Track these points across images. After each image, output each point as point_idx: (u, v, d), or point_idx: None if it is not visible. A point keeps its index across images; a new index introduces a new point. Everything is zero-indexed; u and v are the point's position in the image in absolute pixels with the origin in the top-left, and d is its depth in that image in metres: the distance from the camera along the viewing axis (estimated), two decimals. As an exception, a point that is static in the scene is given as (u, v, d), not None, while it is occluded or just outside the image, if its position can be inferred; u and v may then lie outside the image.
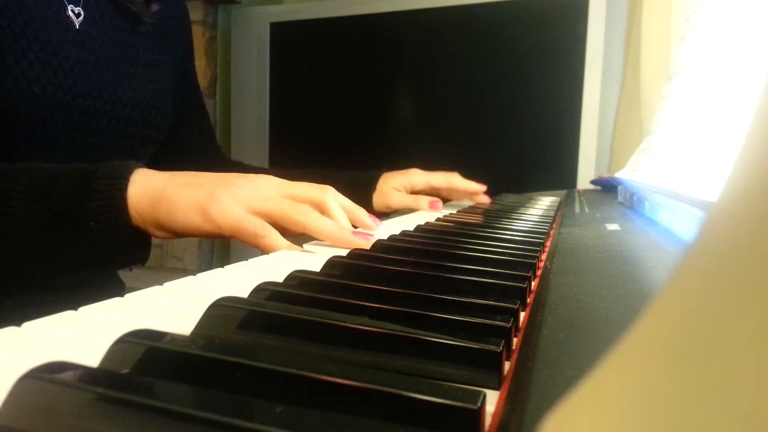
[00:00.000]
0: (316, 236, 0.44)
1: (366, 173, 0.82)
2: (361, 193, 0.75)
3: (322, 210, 0.47)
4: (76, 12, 0.58)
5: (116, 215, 0.41)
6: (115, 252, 0.44)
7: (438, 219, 0.62)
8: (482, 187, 0.84)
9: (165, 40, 0.70)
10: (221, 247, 1.98)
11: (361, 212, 0.51)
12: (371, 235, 0.45)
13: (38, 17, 0.54)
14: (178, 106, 0.74)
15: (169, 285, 0.30)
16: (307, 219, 0.44)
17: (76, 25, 0.57)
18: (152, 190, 0.42)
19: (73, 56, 0.56)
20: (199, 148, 0.81)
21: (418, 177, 0.80)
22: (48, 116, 0.54)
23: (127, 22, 0.64)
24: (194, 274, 0.33)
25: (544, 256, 0.40)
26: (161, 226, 0.43)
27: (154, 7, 0.67)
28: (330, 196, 0.48)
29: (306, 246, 0.46)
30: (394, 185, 0.79)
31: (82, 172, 0.42)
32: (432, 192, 0.83)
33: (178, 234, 0.44)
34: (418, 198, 0.78)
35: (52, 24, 0.55)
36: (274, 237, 0.42)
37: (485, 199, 0.85)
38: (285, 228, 0.44)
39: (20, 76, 0.51)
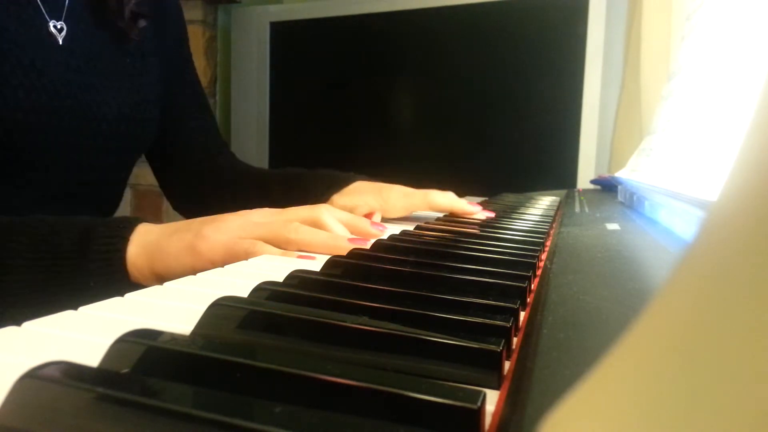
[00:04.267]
0: (311, 250, 0.42)
1: (334, 175, 0.68)
2: (310, 197, 0.64)
3: (318, 226, 0.45)
4: (59, 27, 0.56)
5: (115, 275, 0.41)
6: None
7: (438, 219, 0.62)
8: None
9: (153, 43, 0.68)
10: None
11: (361, 222, 0.49)
12: (367, 240, 0.44)
13: (20, 39, 0.52)
14: (176, 106, 0.74)
15: (169, 285, 0.30)
16: (299, 234, 0.42)
17: (59, 41, 0.56)
18: (148, 246, 0.42)
19: (58, 77, 0.55)
20: (202, 146, 0.79)
21: (393, 202, 0.64)
22: (31, 140, 0.54)
23: (112, 32, 0.62)
24: (194, 274, 0.33)
25: (544, 256, 0.40)
26: (160, 277, 0.42)
27: (141, 23, 0.64)
28: (322, 212, 0.46)
29: None
30: (350, 206, 0.64)
31: (82, 231, 0.42)
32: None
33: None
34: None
35: (35, 45, 0.53)
36: (267, 249, 0.41)
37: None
38: (280, 248, 0.43)
39: (2, 103, 0.50)
